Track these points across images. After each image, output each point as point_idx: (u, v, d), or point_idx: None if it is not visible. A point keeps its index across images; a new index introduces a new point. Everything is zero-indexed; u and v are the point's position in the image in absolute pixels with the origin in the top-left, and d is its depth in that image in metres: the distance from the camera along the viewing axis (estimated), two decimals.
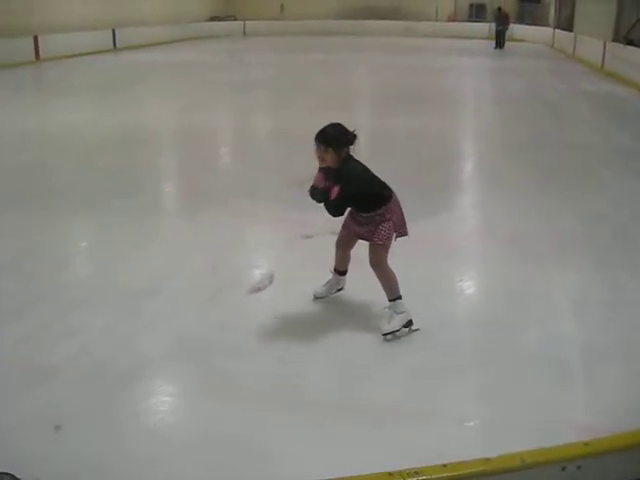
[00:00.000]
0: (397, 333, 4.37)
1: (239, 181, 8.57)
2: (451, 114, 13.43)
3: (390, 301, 4.44)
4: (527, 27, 33.62)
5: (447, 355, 4.24)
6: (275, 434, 3.46)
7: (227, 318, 4.72)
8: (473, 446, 3.29)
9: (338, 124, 4.30)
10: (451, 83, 18.21)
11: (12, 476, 2.45)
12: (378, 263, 4.40)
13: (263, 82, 18.31)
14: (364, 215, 4.40)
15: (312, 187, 4.34)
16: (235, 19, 39.07)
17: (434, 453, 3.09)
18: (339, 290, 4.93)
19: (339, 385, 3.92)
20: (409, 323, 4.41)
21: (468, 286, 5.48)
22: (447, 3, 37.37)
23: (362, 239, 4.49)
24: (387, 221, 4.34)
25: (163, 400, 3.91)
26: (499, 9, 30.18)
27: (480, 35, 33.03)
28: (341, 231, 4.67)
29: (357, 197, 4.31)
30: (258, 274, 5.53)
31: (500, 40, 29.15)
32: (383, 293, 4.47)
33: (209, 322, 4.67)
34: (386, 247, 4.39)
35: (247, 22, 38.20)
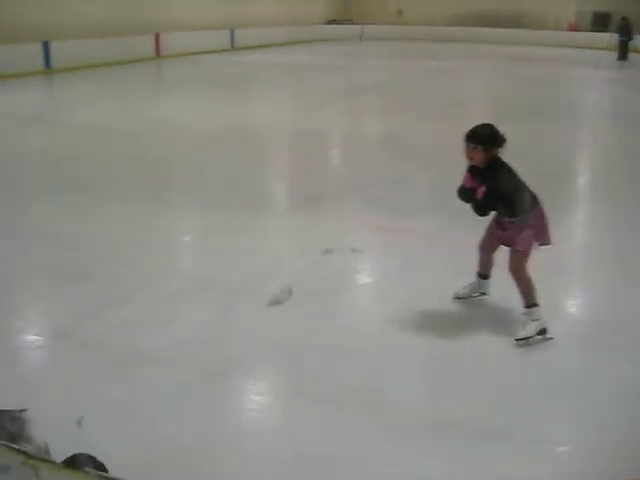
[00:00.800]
0: (530, 340, 4.36)
1: (342, 182, 8.54)
2: (571, 128, 12.96)
3: (526, 307, 4.44)
4: None
5: (549, 374, 4.08)
6: (360, 441, 3.39)
7: (327, 318, 4.70)
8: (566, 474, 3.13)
9: (490, 125, 4.34)
10: (571, 96, 17.66)
11: (93, 458, 2.47)
12: (517, 269, 4.40)
13: (376, 86, 18.24)
14: (508, 220, 4.42)
15: (460, 187, 4.45)
16: (352, 23, 39.13)
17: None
18: (482, 294, 4.96)
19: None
20: (543, 331, 4.41)
21: (572, 305, 5.28)
22: (568, 11, 36.18)
23: (503, 244, 4.53)
24: (530, 228, 4.36)
25: (253, 398, 3.92)
26: (623, 19, 28.93)
27: (599, 45, 31.78)
28: (484, 234, 4.71)
29: (502, 200, 4.31)
30: (367, 274, 5.50)
31: (624, 51, 27.96)
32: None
33: (309, 319, 4.66)
34: (526, 254, 4.39)
35: (364, 26, 38.18)
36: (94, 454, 2.51)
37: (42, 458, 0.90)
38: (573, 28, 36.20)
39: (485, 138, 4.25)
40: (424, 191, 8.03)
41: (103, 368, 4.05)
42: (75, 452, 2.42)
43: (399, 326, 4.59)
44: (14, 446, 0.93)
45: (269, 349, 4.33)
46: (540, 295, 4.41)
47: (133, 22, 22.12)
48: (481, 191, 4.29)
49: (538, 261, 4.48)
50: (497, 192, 4.26)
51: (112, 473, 2.45)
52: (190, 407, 3.67)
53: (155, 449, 3.29)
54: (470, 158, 4.31)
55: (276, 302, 4.85)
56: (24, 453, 0.91)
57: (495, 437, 3.45)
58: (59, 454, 2.15)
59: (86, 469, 1.77)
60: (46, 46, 18.68)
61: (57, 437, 2.47)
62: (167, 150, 10.01)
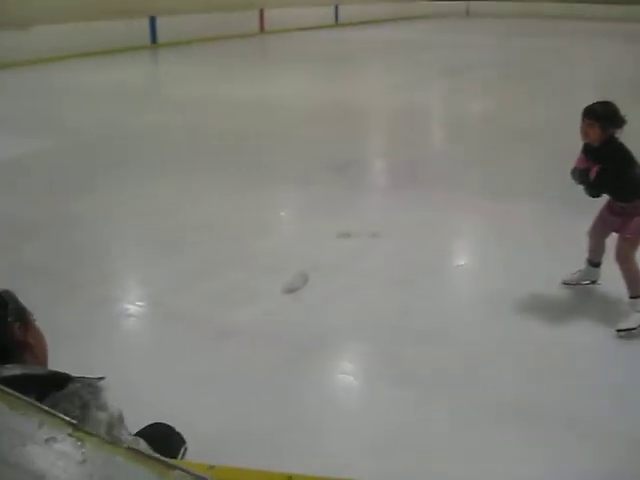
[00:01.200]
0: (633, 331, 4.15)
1: (446, 163, 8.37)
2: None
3: (631, 298, 4.24)
4: None
5: None
6: (444, 428, 3.30)
7: (422, 299, 4.60)
8: None
9: (610, 103, 4.16)
10: None
11: (171, 428, 2.47)
12: (624, 257, 4.21)
13: (482, 64, 17.74)
14: (620, 205, 4.24)
15: (573, 168, 4.29)
16: None
17: None
18: (593, 282, 4.73)
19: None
20: None
21: None
22: None
23: (614, 231, 4.33)
24: None
25: (336, 376, 3.88)
26: None
27: None
28: (595, 220, 4.50)
29: (615, 182, 4.13)
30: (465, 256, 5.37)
31: None
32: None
33: (404, 301, 4.57)
34: (635, 243, 4.20)
35: (471, 2, 37.33)
36: (173, 424, 2.52)
37: (90, 432, 0.86)
38: None
39: (603, 115, 4.07)
40: (531, 172, 7.78)
41: (189, 339, 4.09)
42: (153, 422, 2.43)
43: (498, 311, 4.43)
44: (63, 416, 0.89)
45: (359, 328, 4.26)
46: None
47: None
48: (594, 171, 4.11)
49: None
50: (610, 173, 4.07)
51: (189, 444, 2.47)
52: (272, 383, 3.64)
53: (234, 422, 3.29)
54: (585, 135, 4.14)
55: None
56: (72, 424, 0.87)
57: (584, 429, 3.29)
58: (136, 424, 2.16)
59: (133, 446, 1.77)
60: (152, 22, 19.12)
61: (137, 406, 2.49)
62: (268, 125, 10.04)
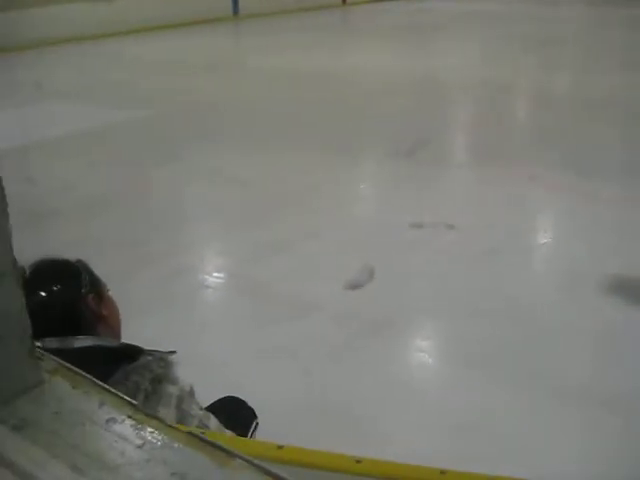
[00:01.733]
0: None
1: (525, 137, 8.13)
2: None
3: None
4: None
5: None
6: (513, 413, 3.21)
7: (496, 279, 4.48)
8: None
9: None
10: None
11: (243, 402, 2.47)
12: None
13: (567, 40, 17.15)
14: None
15: None
16: None
17: None
18: None
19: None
20: None
21: None
22: None
23: None
24: None
25: (412, 355, 3.83)
26: None
27: None
28: None
29: None
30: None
31: None
32: None
33: (477, 280, 4.46)
34: None
35: None
36: (245, 398, 2.51)
37: (151, 414, 0.84)
38: None
39: None
40: (618, 148, 7.48)
41: (266, 313, 4.09)
42: (225, 395, 2.43)
43: (575, 293, 4.29)
44: (124, 396, 0.86)
45: (437, 308, 4.18)
46: None
47: None
48: None
49: None
50: None
51: (260, 419, 2.46)
52: (347, 360, 3.62)
53: (307, 399, 3.27)
54: None
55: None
56: (133, 405, 0.85)
57: None
58: (208, 397, 2.16)
59: (204, 421, 1.75)
60: None
61: (210, 379, 2.50)
62: (347, 97, 9.95)
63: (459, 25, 19.51)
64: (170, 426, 0.84)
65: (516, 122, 9.39)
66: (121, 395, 0.90)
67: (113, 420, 0.85)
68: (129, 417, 0.85)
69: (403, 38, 16.39)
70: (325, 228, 5.33)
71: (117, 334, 2.00)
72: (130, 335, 2.03)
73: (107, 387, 0.92)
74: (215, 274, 4.72)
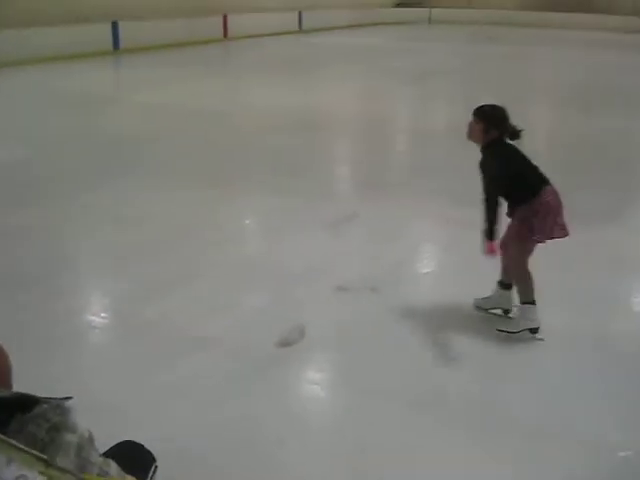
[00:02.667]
0: (514, 335, 4.18)
1: (405, 171, 8.40)
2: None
3: (521, 303, 4.22)
4: None
5: (604, 376, 3.90)
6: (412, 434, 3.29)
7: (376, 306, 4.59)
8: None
9: (501, 108, 4.18)
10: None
11: (141, 446, 2.42)
12: (515, 263, 4.19)
13: (442, 73, 17.88)
14: (509, 208, 4.17)
15: None
16: (421, 6, 38.59)
17: None
18: (506, 312, 4.47)
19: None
20: (534, 330, 4.20)
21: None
22: None
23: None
24: (525, 219, 4.05)
25: (304, 386, 3.86)
26: None
27: None
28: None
29: (499, 186, 4.06)
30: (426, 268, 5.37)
31: None
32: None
33: (366, 311, 4.56)
34: (521, 247, 4.12)
35: (433, 10, 37.64)
36: (143, 441, 2.46)
37: (62, 468, 0.82)
38: None
39: (488, 117, 4.09)
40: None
41: (157, 351, 4.04)
42: (123, 439, 2.38)
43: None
44: (34, 452, 0.85)
45: (326, 337, 4.25)
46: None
47: (201, 3, 22.23)
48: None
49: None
50: (488, 176, 4.05)
51: (159, 461, 2.41)
52: (241, 393, 3.62)
53: (205, 434, 3.25)
54: (469, 132, 4.16)
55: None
56: (44, 461, 0.83)
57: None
58: (105, 442, 2.11)
59: (105, 468, 1.72)
60: (115, 27, 18.92)
61: (105, 423, 2.43)
62: (231, 133, 10.01)
63: (342, 59, 20.00)
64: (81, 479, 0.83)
65: (388, 153, 9.69)
66: (30, 450, 0.88)
67: (24, 477, 0.84)
68: (41, 473, 0.84)
69: (286, 72, 16.65)
70: (209, 265, 5.32)
71: (8, 384, 1.93)
72: (21, 384, 1.96)
73: (13, 442, 0.90)
74: (102, 314, 4.62)
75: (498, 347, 4.13)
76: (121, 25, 18.92)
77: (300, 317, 4.39)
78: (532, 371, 3.94)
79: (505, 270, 4.37)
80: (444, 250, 5.91)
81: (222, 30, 23.20)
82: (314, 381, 3.91)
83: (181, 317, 4.44)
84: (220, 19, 23.03)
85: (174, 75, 15.72)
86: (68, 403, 1.77)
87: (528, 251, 4.13)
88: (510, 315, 4.38)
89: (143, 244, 5.67)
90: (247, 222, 6.75)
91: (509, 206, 4.15)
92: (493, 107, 4.17)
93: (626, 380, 3.84)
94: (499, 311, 4.48)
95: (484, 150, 4.12)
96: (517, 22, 33.90)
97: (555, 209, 4.03)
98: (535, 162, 4.12)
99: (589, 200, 6.69)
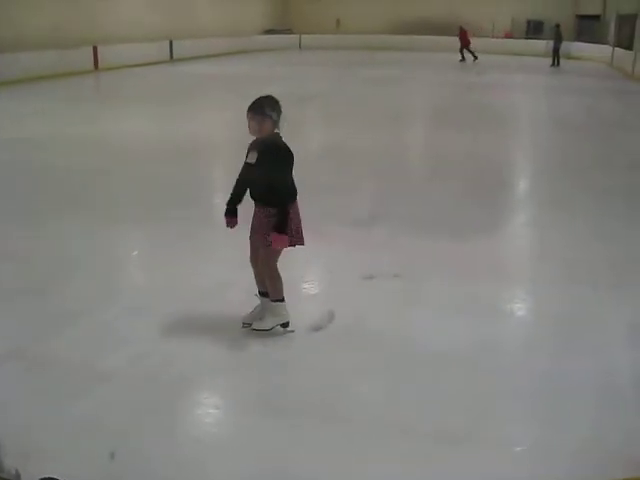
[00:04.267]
0: (269, 331, 4.52)
1: None
2: (509, 133, 13.23)
3: (272, 301, 4.54)
4: (585, 45, 33.10)
5: (490, 379, 4.16)
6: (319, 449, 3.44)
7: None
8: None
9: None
10: (509, 102, 18.06)
11: None
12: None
13: (314, 97, 18.31)
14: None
15: None
16: (291, 32, 39.30)
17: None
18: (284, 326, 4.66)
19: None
20: (285, 325, 4.59)
21: (517, 308, 5.39)
22: (504, 19, 37.03)
23: None
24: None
25: (211, 412, 3.93)
26: (557, 26, 29.72)
27: (537, 52, 32.60)
28: None
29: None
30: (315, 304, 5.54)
31: (557, 57, 28.73)
32: None
33: (260, 335, 4.64)
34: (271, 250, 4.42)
35: (303, 36, 38.41)
36: (57, 476, 2.50)
37: None
38: (509, 36, 37.06)
39: (277, 107, 4.34)
40: (369, 200, 8.14)
41: (57, 387, 4.00)
42: (41, 476, 2.41)
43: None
44: None
45: (224, 368, 4.33)
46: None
47: (70, 35, 21.86)
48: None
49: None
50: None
51: None
52: (148, 424, 3.66)
53: (115, 467, 3.28)
54: (259, 129, 4.36)
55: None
56: None
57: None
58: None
59: None
60: None
61: (18, 463, 2.45)
62: (106, 165, 9.86)
63: (213, 87, 20.13)
64: None
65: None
66: None
67: None
68: None
69: (155, 103, 16.61)
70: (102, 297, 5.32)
71: None
72: None
73: None
74: None
75: None
76: None
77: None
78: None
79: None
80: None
81: (93, 61, 22.84)
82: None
83: (77, 351, 4.42)
84: (90, 50, 22.68)
85: (42, 108, 15.29)
86: None
87: (277, 253, 4.45)
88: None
89: (31, 279, 5.60)
90: (135, 253, 6.74)
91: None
92: (272, 97, 4.40)
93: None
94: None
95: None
96: (386, 45, 35.07)
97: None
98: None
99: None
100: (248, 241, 4.57)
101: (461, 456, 3.42)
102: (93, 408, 3.79)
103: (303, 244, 4.50)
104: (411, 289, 5.47)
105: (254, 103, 4.34)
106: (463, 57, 30.67)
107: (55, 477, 2.43)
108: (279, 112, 4.34)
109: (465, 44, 30.78)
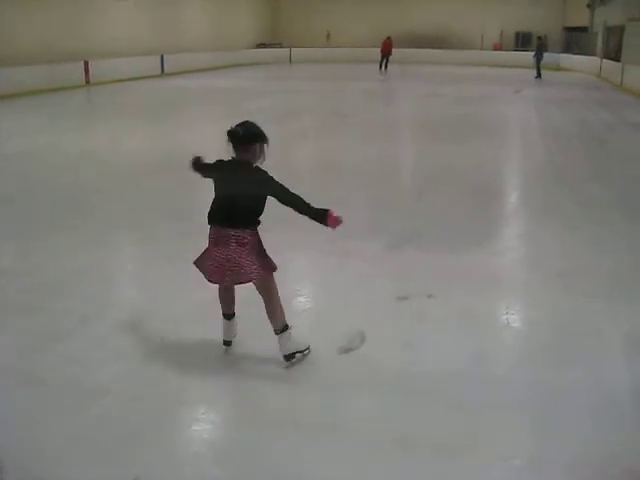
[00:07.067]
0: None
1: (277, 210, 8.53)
2: (498, 145, 13.26)
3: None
4: (573, 56, 33.36)
5: (488, 391, 4.16)
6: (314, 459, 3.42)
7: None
8: None
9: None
10: (497, 113, 18.14)
11: None
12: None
13: (305, 110, 18.35)
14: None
15: None
16: (281, 46, 39.46)
17: None
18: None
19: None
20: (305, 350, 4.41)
21: (513, 320, 5.39)
22: (493, 31, 37.30)
23: None
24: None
25: (206, 427, 3.91)
26: (539, 38, 29.98)
27: (525, 64, 32.79)
28: None
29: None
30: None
31: (538, 69, 28.93)
32: None
33: (257, 348, 4.64)
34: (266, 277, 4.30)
35: (293, 49, 38.57)
36: None
37: None
38: (497, 48, 37.31)
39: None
40: (362, 212, 8.13)
41: (49, 404, 3.98)
42: None
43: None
44: None
45: (213, 384, 4.32)
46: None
47: (61, 50, 21.90)
48: None
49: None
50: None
51: None
52: (140, 440, 3.64)
53: None
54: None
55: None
56: None
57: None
58: None
59: None
60: None
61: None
62: (98, 181, 9.84)
63: (204, 101, 20.17)
64: None
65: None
66: None
67: None
68: None
69: (146, 117, 16.61)
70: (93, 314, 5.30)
71: None
72: None
73: None
74: None
75: None
76: None
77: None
78: None
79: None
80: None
81: (84, 76, 22.84)
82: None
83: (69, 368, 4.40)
84: (81, 65, 22.69)
85: (33, 123, 15.34)
86: None
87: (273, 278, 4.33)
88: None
89: (20, 297, 5.58)
90: (129, 267, 6.71)
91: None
92: (253, 124, 4.50)
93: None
94: None
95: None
96: (374, 59, 35.17)
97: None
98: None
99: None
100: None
101: (459, 469, 3.41)
102: (84, 425, 3.76)
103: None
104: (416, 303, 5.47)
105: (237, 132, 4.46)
106: (383, 67, 31.12)
107: None
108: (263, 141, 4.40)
109: (386, 53, 31.10)
